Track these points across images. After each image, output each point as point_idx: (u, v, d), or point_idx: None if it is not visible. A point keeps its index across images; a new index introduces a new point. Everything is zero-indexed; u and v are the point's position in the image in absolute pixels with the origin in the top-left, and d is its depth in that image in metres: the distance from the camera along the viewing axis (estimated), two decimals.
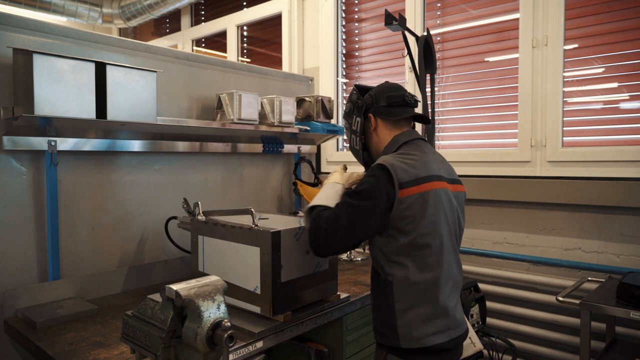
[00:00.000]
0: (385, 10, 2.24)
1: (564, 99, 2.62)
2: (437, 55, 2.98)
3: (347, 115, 1.83)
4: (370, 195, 1.52)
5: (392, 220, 1.53)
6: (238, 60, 4.62)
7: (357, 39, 3.62)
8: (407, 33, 2.41)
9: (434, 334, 1.54)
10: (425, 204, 1.53)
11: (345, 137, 3.61)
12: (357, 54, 3.63)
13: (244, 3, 4.61)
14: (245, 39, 4.71)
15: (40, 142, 1.97)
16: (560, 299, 2.20)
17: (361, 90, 1.80)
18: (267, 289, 1.76)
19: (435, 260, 1.55)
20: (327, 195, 1.69)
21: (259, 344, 1.67)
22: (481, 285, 2.68)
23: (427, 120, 1.82)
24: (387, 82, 1.82)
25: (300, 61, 3.91)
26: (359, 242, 1.58)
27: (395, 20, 2.25)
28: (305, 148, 3.21)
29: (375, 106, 1.73)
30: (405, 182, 1.52)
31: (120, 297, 2.17)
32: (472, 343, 2.26)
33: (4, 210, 1.93)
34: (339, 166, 1.86)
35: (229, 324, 1.11)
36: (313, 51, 3.82)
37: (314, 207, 1.65)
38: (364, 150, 1.81)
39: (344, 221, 1.53)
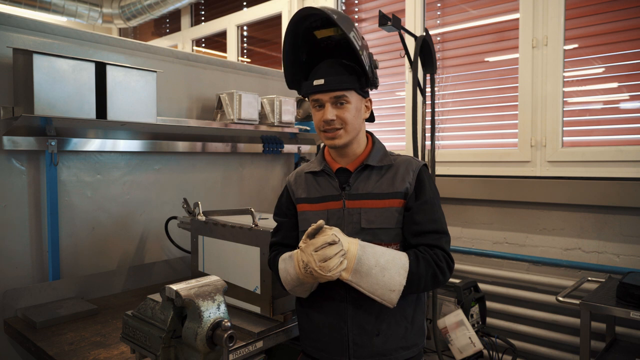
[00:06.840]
0: (380, 11, 2.22)
1: (564, 99, 2.62)
2: (437, 55, 2.98)
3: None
4: None
5: None
6: (238, 60, 4.61)
7: None
8: (405, 34, 2.41)
9: None
10: None
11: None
12: None
13: (244, 3, 4.61)
14: (245, 39, 4.71)
15: (40, 142, 1.97)
16: (560, 299, 2.20)
17: None
18: (267, 289, 1.76)
19: None
20: None
21: (259, 344, 1.67)
22: (481, 285, 2.68)
23: None
24: None
25: None
26: None
27: (389, 21, 2.23)
28: (305, 148, 3.21)
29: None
30: None
31: (120, 297, 2.17)
32: (472, 343, 2.27)
33: (4, 210, 1.93)
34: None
35: (229, 324, 1.10)
36: None
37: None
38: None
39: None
